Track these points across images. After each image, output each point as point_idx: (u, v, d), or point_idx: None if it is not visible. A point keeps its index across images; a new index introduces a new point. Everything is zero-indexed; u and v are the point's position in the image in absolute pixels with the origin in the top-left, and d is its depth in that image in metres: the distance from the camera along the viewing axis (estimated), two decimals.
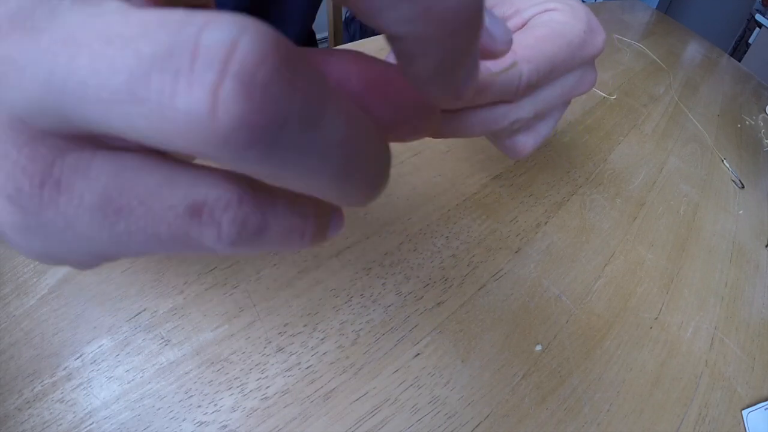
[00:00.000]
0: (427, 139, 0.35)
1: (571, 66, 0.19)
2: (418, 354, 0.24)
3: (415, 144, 0.35)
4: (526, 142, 0.21)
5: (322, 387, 0.22)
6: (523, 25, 0.20)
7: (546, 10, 0.20)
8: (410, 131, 0.11)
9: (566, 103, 0.22)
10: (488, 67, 0.17)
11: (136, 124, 0.07)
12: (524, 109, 0.19)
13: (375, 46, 0.44)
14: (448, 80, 0.10)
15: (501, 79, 0.17)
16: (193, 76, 0.06)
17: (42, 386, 0.20)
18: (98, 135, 0.08)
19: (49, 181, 0.08)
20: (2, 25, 0.08)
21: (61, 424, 0.19)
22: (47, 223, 0.08)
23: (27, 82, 0.07)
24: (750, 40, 1.82)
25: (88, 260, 0.10)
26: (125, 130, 0.07)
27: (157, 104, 0.06)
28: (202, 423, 0.20)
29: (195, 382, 0.21)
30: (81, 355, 0.21)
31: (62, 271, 0.24)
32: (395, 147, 0.33)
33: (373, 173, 0.09)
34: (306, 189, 0.08)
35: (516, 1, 0.21)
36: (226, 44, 0.06)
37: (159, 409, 0.20)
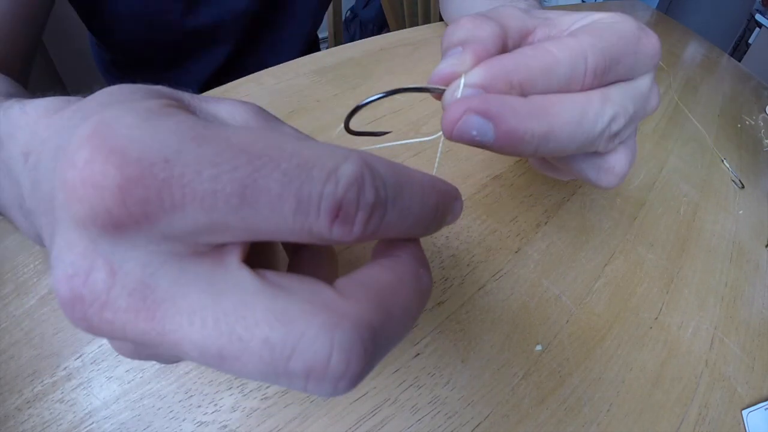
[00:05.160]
0: (426, 139, 0.35)
1: (633, 62, 0.19)
2: (418, 354, 0.24)
3: (415, 144, 0.35)
4: (618, 159, 0.20)
5: None
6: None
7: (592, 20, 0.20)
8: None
9: (640, 117, 0.21)
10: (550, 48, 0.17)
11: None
12: (606, 108, 0.18)
13: (375, 46, 0.44)
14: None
15: (567, 61, 0.17)
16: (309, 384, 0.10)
17: (42, 386, 0.20)
18: None
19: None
20: (119, 300, 0.10)
21: (61, 424, 0.19)
22: None
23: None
24: (750, 40, 1.82)
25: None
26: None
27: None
28: (202, 423, 0.20)
29: (195, 382, 0.21)
30: (81, 355, 0.21)
31: None
32: (394, 147, 0.33)
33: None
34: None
35: (558, 21, 0.21)
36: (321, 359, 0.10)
37: (159, 409, 0.20)
